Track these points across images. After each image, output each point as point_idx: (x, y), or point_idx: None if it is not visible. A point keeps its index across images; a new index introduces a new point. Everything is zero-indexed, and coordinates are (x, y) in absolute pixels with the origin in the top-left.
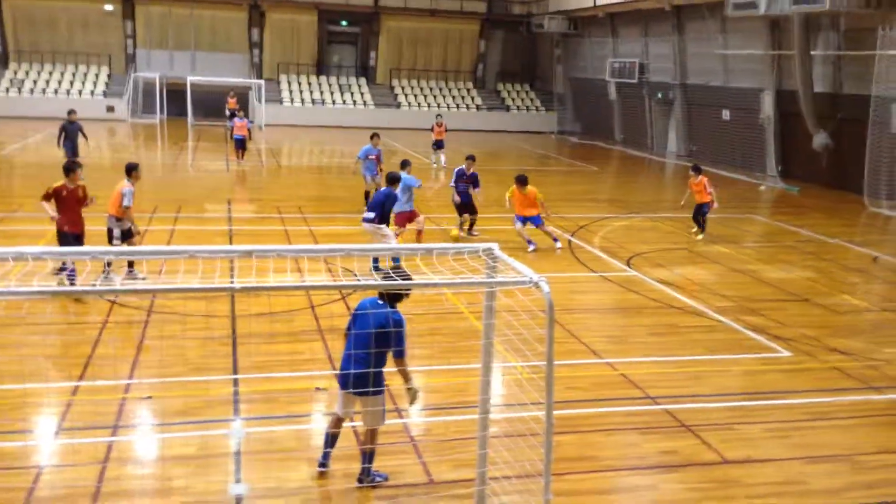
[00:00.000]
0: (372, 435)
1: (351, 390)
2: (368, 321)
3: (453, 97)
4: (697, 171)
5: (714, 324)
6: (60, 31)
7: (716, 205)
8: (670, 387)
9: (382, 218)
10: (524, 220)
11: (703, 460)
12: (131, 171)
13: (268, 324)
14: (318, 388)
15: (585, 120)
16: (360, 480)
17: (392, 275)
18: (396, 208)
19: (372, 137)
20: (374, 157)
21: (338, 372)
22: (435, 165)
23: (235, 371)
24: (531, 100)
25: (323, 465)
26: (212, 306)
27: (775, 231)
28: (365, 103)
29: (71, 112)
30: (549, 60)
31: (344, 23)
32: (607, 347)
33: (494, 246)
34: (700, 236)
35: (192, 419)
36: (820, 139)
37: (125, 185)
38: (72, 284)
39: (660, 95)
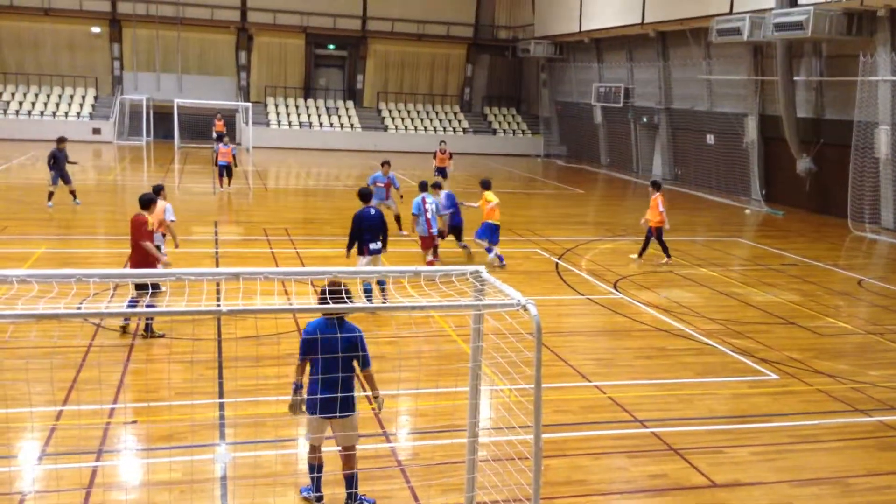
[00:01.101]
0: (354, 458)
1: (337, 414)
2: (336, 343)
3: (440, 120)
4: (657, 187)
5: (701, 347)
6: (47, 52)
7: (667, 226)
8: (658, 410)
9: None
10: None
11: (691, 484)
12: (160, 191)
13: (254, 347)
14: (304, 412)
15: (571, 143)
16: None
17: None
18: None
19: (382, 165)
20: (382, 184)
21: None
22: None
23: (221, 395)
24: (517, 123)
25: (318, 497)
26: (198, 329)
27: (761, 254)
28: (352, 126)
29: (61, 140)
30: (535, 84)
31: (331, 46)
32: (595, 370)
33: (482, 268)
34: (665, 260)
35: (177, 444)
36: (803, 164)
37: (161, 202)
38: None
39: (645, 120)
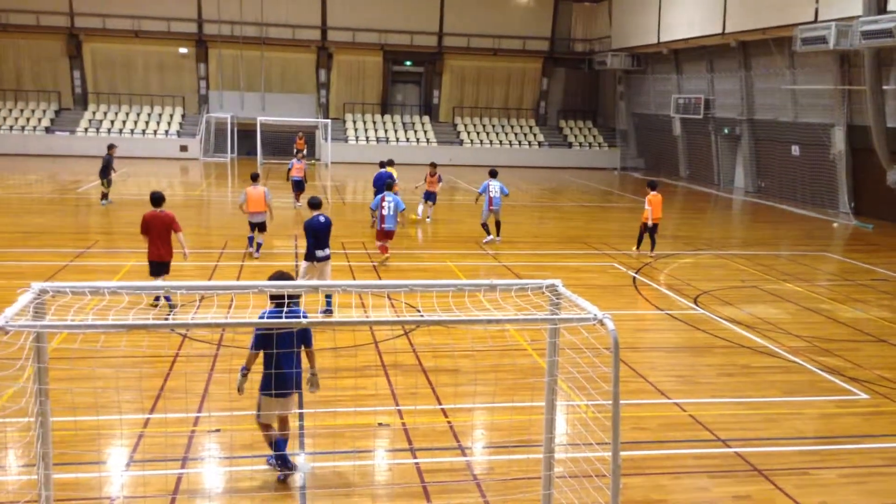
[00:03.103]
0: (288, 423)
1: (292, 391)
2: (290, 332)
3: (515, 134)
4: (653, 186)
5: (787, 364)
6: (137, 73)
7: (649, 223)
8: (742, 429)
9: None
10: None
11: None
12: (257, 177)
13: (333, 359)
14: (381, 424)
15: (649, 156)
16: (282, 468)
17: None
18: (390, 226)
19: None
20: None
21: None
22: (419, 217)
23: (301, 405)
24: (593, 136)
25: (285, 471)
26: None
27: (849, 269)
28: (428, 141)
29: (111, 147)
30: (611, 97)
31: (408, 63)
32: (675, 387)
33: (558, 282)
34: (643, 252)
35: (258, 453)
36: (894, 175)
37: (261, 187)
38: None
39: (726, 131)
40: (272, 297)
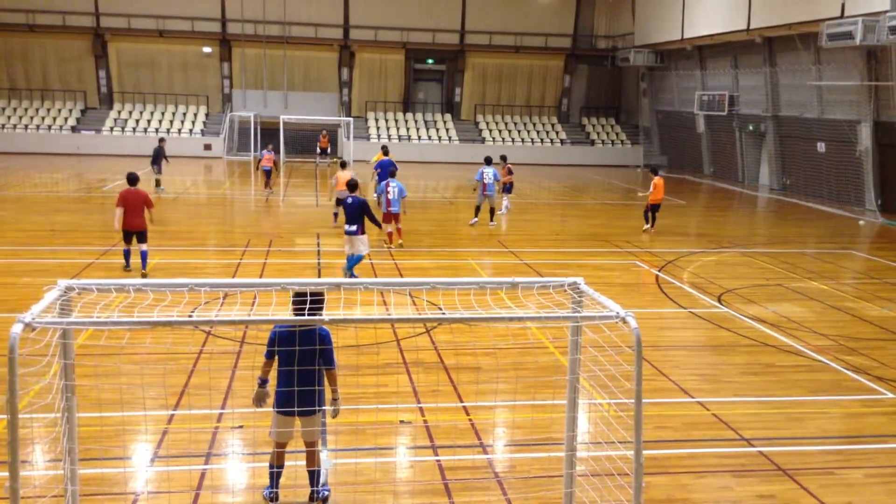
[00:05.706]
0: (316, 455)
1: (296, 409)
2: (305, 339)
3: (537, 132)
4: (655, 171)
5: (812, 363)
6: (161, 72)
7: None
8: (766, 428)
9: (361, 227)
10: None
11: None
12: (346, 164)
13: (355, 356)
14: (402, 421)
15: (672, 153)
16: (311, 499)
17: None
18: (395, 209)
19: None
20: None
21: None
22: (504, 212)
23: (322, 402)
24: (616, 133)
25: (275, 495)
26: None
27: (876, 267)
28: (450, 139)
29: (162, 140)
30: (634, 94)
31: (430, 61)
32: (698, 386)
33: (580, 280)
34: (648, 228)
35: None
36: None
37: (349, 172)
38: None
39: (751, 128)
40: (294, 309)
